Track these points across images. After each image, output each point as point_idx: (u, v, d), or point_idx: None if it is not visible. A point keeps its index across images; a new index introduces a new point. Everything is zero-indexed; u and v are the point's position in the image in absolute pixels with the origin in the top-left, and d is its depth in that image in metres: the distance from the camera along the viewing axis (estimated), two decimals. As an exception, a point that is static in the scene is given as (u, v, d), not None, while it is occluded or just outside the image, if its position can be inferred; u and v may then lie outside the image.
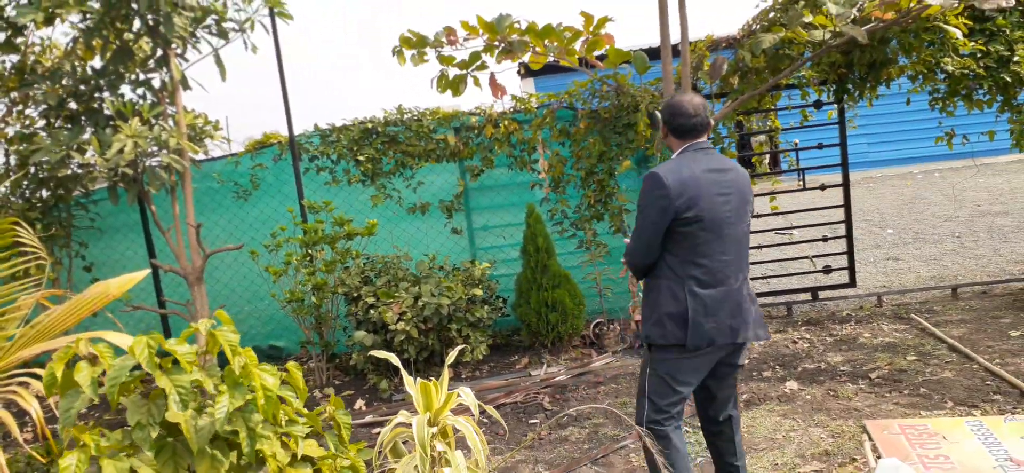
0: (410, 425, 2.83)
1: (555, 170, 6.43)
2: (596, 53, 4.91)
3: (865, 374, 4.76)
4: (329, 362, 6.25)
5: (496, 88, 4.89)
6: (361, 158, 6.50)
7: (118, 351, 2.66)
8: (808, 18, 4.64)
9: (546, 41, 4.75)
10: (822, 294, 6.82)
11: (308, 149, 6.54)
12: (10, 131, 5.78)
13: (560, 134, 6.39)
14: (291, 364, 2.93)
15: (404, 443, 3.08)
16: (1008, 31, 5.50)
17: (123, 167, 5.07)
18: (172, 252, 5.74)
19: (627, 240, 3.12)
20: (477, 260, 6.40)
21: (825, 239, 6.84)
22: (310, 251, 6.00)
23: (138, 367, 2.59)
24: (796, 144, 11.80)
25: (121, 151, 4.95)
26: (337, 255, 5.93)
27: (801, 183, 7.55)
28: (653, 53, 5.00)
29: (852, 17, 4.41)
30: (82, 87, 5.44)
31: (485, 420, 4.72)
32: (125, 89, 5.57)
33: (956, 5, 4.41)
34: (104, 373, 2.52)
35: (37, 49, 5.75)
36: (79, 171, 5.42)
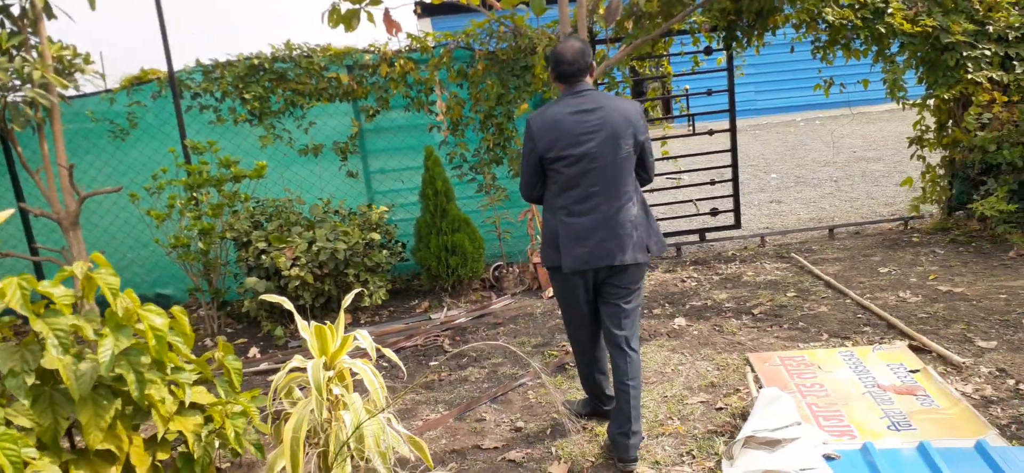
0: (305, 369, 2.78)
1: (453, 112, 6.34)
2: (494, -8, 4.84)
3: (748, 310, 5.03)
4: (220, 310, 6.01)
5: (391, 24, 4.73)
6: (247, 96, 6.17)
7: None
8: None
9: (443, -22, 4.63)
10: (709, 235, 7.11)
11: (190, 86, 6.15)
12: None
13: (458, 75, 6.29)
14: (176, 309, 2.80)
15: (301, 389, 3.02)
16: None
17: (-21, 102, 4.63)
18: (43, 196, 5.33)
19: None
20: (374, 204, 6.27)
21: (712, 182, 7.12)
22: (195, 194, 5.70)
23: (9, 312, 2.41)
24: (687, 90, 12.13)
25: (-24, 84, 4.52)
26: (224, 198, 5.67)
27: (691, 128, 7.78)
28: (551, -6, 4.97)
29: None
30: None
31: (384, 364, 4.70)
32: (-21, 16, 5.05)
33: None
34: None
35: None
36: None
